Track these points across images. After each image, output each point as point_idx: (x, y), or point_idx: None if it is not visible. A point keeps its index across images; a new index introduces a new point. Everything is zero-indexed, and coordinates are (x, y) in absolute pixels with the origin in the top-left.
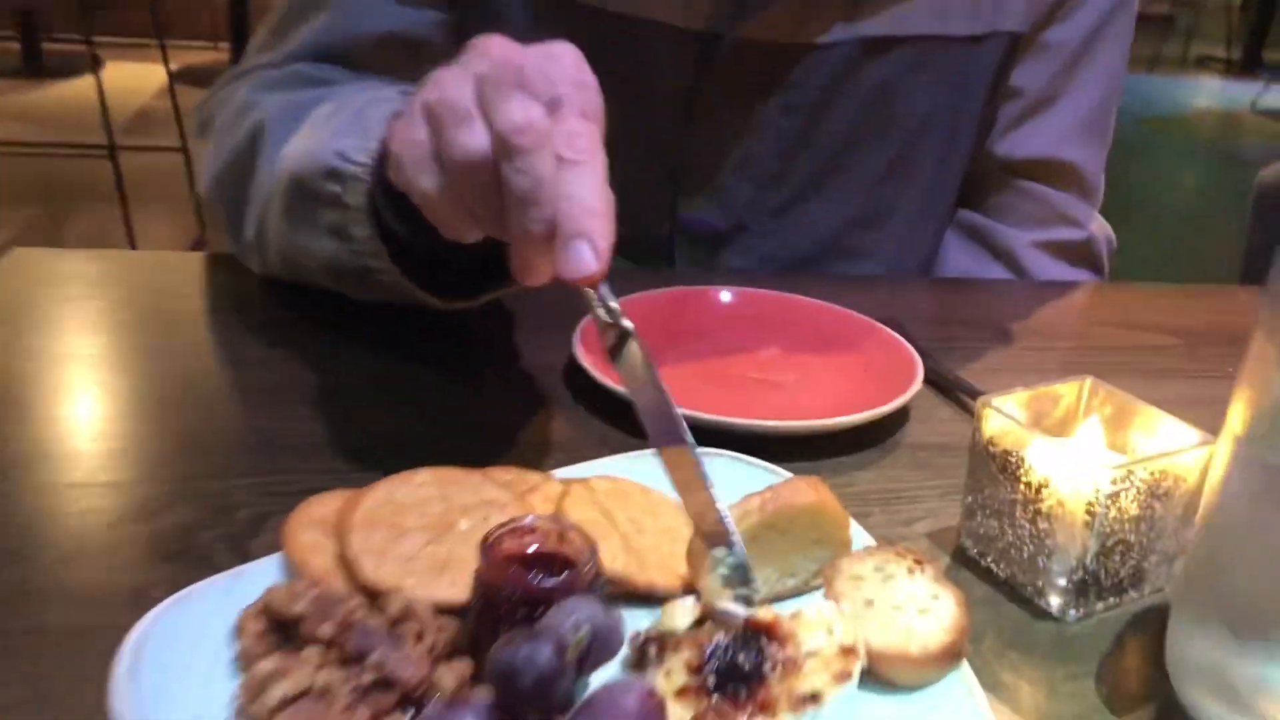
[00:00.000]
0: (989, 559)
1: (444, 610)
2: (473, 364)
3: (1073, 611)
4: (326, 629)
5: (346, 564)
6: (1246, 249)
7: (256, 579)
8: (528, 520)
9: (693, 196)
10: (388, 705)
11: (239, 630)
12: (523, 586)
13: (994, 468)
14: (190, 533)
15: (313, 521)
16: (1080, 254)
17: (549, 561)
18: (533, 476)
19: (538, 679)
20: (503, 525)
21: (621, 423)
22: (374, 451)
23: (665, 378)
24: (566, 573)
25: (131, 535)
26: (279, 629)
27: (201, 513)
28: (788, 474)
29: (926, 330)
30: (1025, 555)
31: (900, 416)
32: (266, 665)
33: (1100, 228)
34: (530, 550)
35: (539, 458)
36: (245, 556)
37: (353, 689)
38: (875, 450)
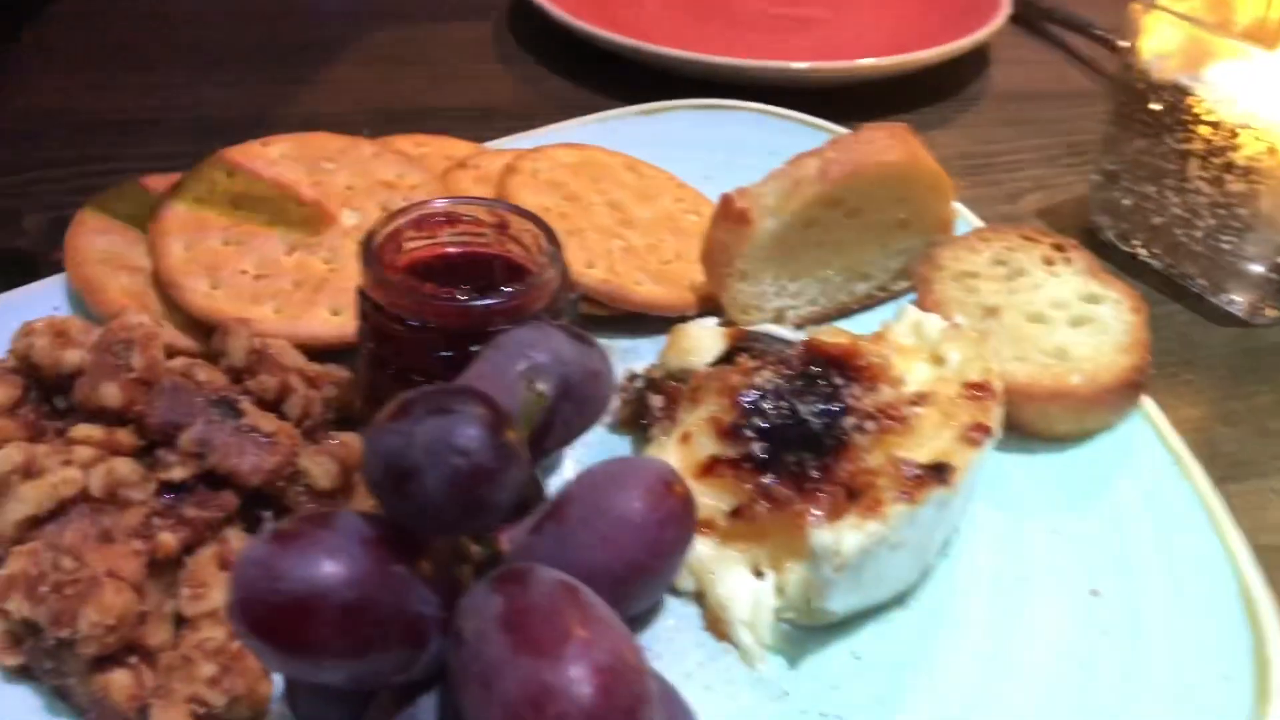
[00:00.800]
0: (1136, 242)
1: (317, 356)
2: None
3: (1270, 312)
4: (111, 392)
5: (160, 285)
6: None
7: (19, 312)
8: (438, 204)
9: None
10: (212, 520)
11: None
12: (437, 311)
13: (1154, 107)
14: None
15: (111, 223)
16: None
17: (481, 269)
18: (459, 147)
19: (453, 478)
20: (402, 212)
21: (591, 80)
22: (225, 123)
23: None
24: (512, 287)
25: None
26: (39, 395)
27: None
28: (842, 130)
29: None
30: (1199, 234)
31: (979, 58)
32: (1, 458)
33: None
34: (449, 251)
35: (469, 126)
36: (33, 277)
37: (160, 492)
38: (951, 103)
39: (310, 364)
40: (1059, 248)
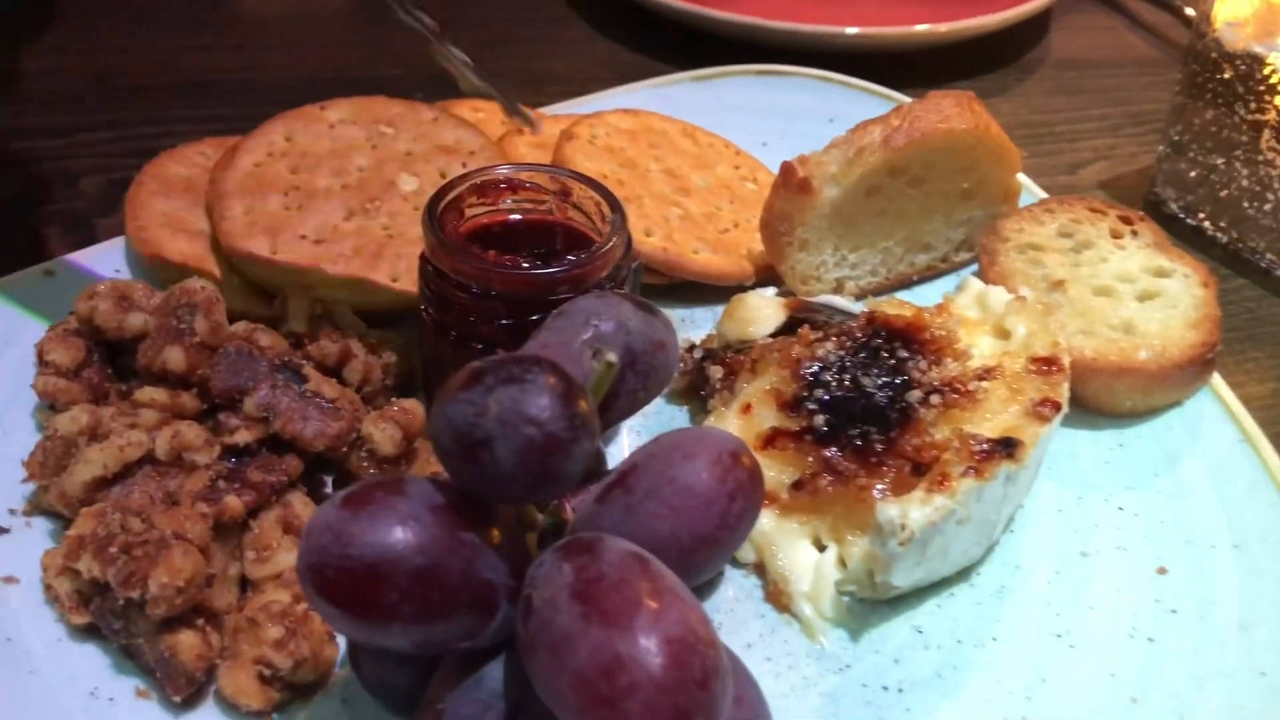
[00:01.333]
0: (1202, 215)
1: (376, 320)
2: None
3: None
4: (176, 356)
5: (221, 248)
6: None
7: (80, 276)
8: (501, 170)
9: None
10: (276, 484)
11: (38, 361)
12: (500, 279)
13: (1226, 76)
14: (15, 209)
15: (171, 185)
16: None
17: (543, 236)
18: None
19: (525, 449)
20: (464, 178)
21: (641, 44)
22: (277, 86)
23: None
24: (574, 254)
25: None
26: (102, 358)
27: (31, 182)
28: (907, 99)
29: None
30: (1268, 208)
31: (1038, 24)
32: (67, 420)
33: None
34: (511, 218)
35: (521, 92)
36: (89, 240)
37: (224, 456)
38: (1009, 71)
39: (371, 330)
40: (1126, 220)
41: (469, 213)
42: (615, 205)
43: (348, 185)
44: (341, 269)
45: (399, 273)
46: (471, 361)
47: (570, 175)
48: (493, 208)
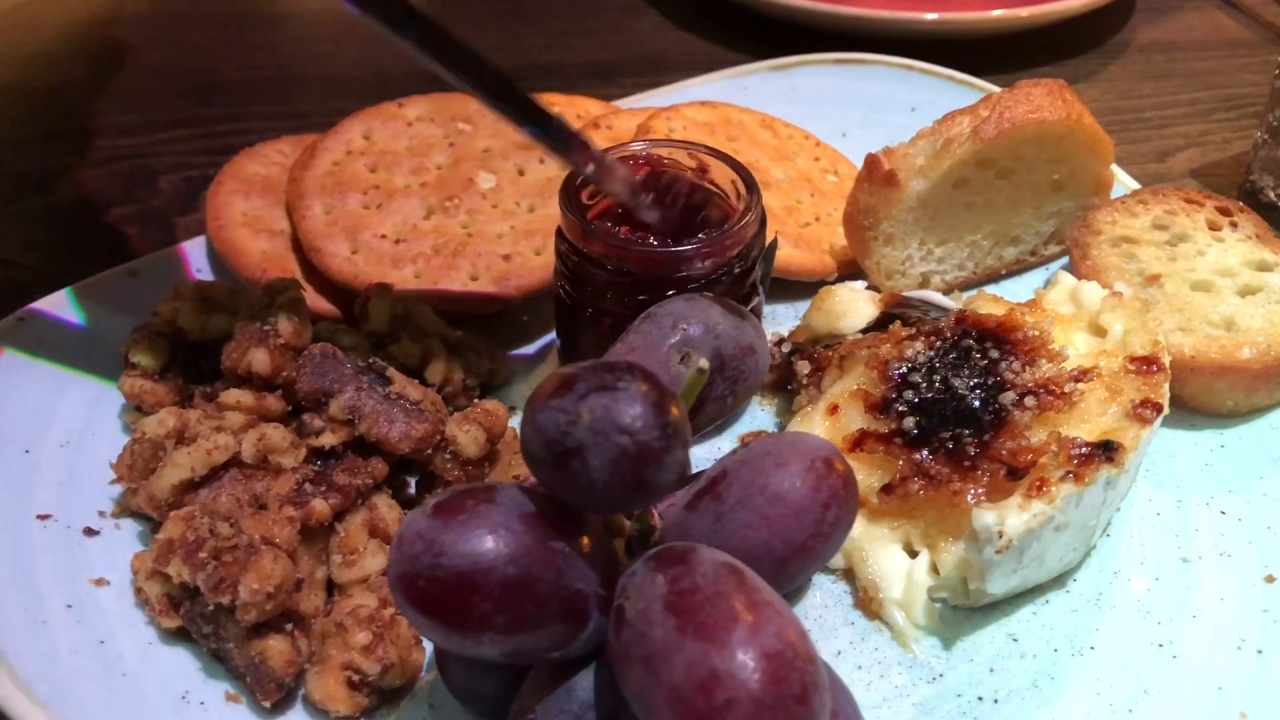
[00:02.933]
0: None
1: (456, 320)
2: None
3: None
4: (261, 358)
5: (301, 249)
6: None
7: (163, 276)
8: (636, 146)
9: None
10: (362, 487)
11: (123, 362)
12: (635, 257)
13: None
14: (96, 208)
15: (250, 184)
16: None
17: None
18: (591, 106)
19: (618, 458)
20: (623, 146)
21: (722, 33)
22: (351, 82)
23: None
24: (708, 231)
25: (19, 212)
26: (186, 359)
27: (112, 180)
28: (991, 86)
29: None
30: None
31: (1123, 6)
32: (154, 423)
33: None
34: (676, 194)
35: (593, 83)
36: (169, 240)
37: (309, 458)
38: (1093, 56)
39: (452, 330)
40: (1225, 211)
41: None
42: (751, 184)
43: (426, 183)
44: (412, 280)
45: (478, 271)
46: (606, 338)
47: (707, 151)
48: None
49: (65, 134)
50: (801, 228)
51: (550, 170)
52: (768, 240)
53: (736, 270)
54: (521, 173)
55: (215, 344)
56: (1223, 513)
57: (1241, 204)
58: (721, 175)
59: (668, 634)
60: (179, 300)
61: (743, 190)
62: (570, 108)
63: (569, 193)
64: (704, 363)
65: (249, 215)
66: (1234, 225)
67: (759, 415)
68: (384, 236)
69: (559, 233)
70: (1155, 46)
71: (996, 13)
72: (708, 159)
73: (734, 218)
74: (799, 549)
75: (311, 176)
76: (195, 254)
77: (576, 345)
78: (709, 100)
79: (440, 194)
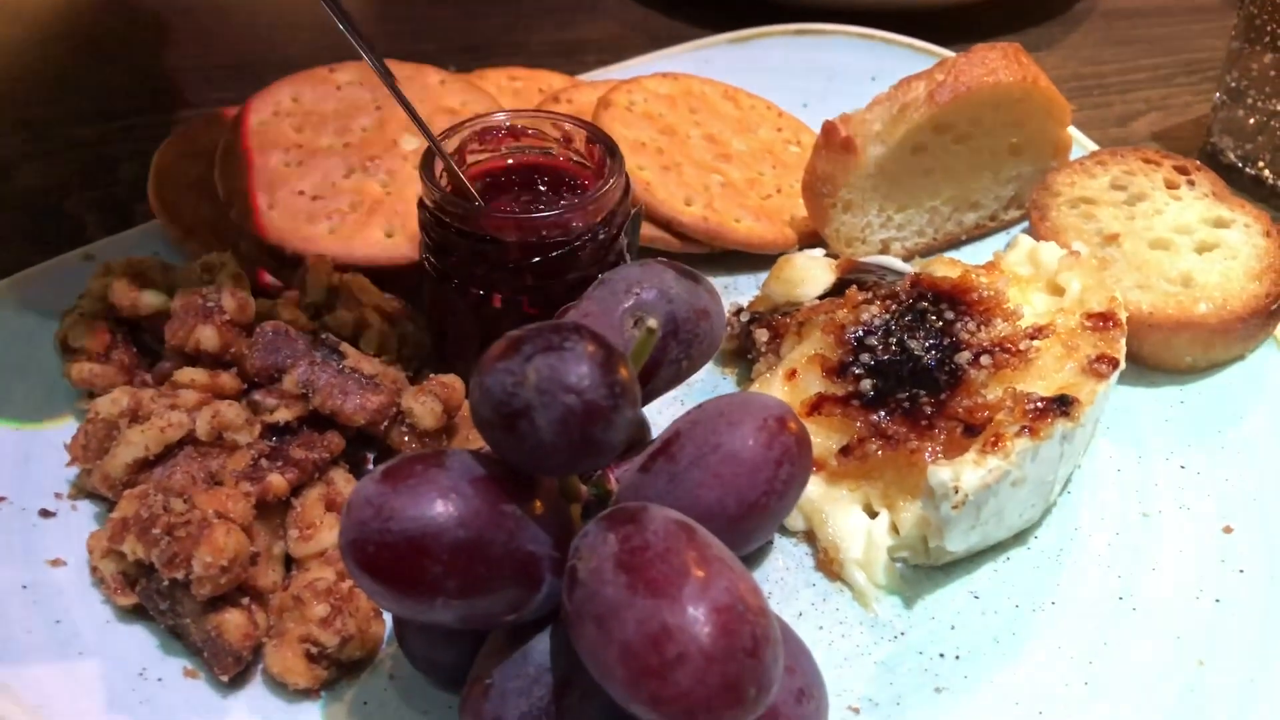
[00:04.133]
0: (1262, 163)
1: (372, 276)
2: None
3: None
4: (209, 335)
5: (225, 207)
6: None
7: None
8: (499, 118)
9: None
10: (320, 461)
11: (61, 348)
12: (492, 224)
13: None
14: (55, 195)
15: (192, 152)
16: None
17: (552, 180)
18: (554, 80)
19: (565, 418)
20: (465, 124)
21: (678, 10)
22: (309, 65)
23: None
24: (567, 198)
25: None
26: (126, 338)
27: (71, 168)
28: (948, 52)
29: None
30: None
31: None
32: (108, 403)
33: None
34: (512, 163)
35: (559, 61)
36: (128, 225)
37: (264, 434)
38: (1056, 23)
39: (388, 300)
40: (1182, 170)
41: (470, 159)
42: (613, 151)
43: (350, 144)
44: (326, 235)
45: (394, 228)
46: (474, 308)
47: (571, 121)
48: (494, 154)
49: (24, 122)
50: (763, 200)
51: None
52: (632, 209)
53: (601, 236)
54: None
55: (148, 321)
56: (1182, 467)
57: (1198, 163)
58: (585, 145)
59: (619, 591)
60: (110, 275)
61: (606, 158)
62: (532, 81)
63: (429, 161)
64: (653, 322)
65: (190, 178)
66: (1191, 184)
67: (720, 384)
68: (302, 193)
69: (420, 203)
70: (1117, 13)
71: None
72: (572, 129)
73: (595, 185)
74: (752, 506)
75: (240, 134)
76: (151, 238)
77: (445, 318)
78: (670, 72)
79: (362, 155)
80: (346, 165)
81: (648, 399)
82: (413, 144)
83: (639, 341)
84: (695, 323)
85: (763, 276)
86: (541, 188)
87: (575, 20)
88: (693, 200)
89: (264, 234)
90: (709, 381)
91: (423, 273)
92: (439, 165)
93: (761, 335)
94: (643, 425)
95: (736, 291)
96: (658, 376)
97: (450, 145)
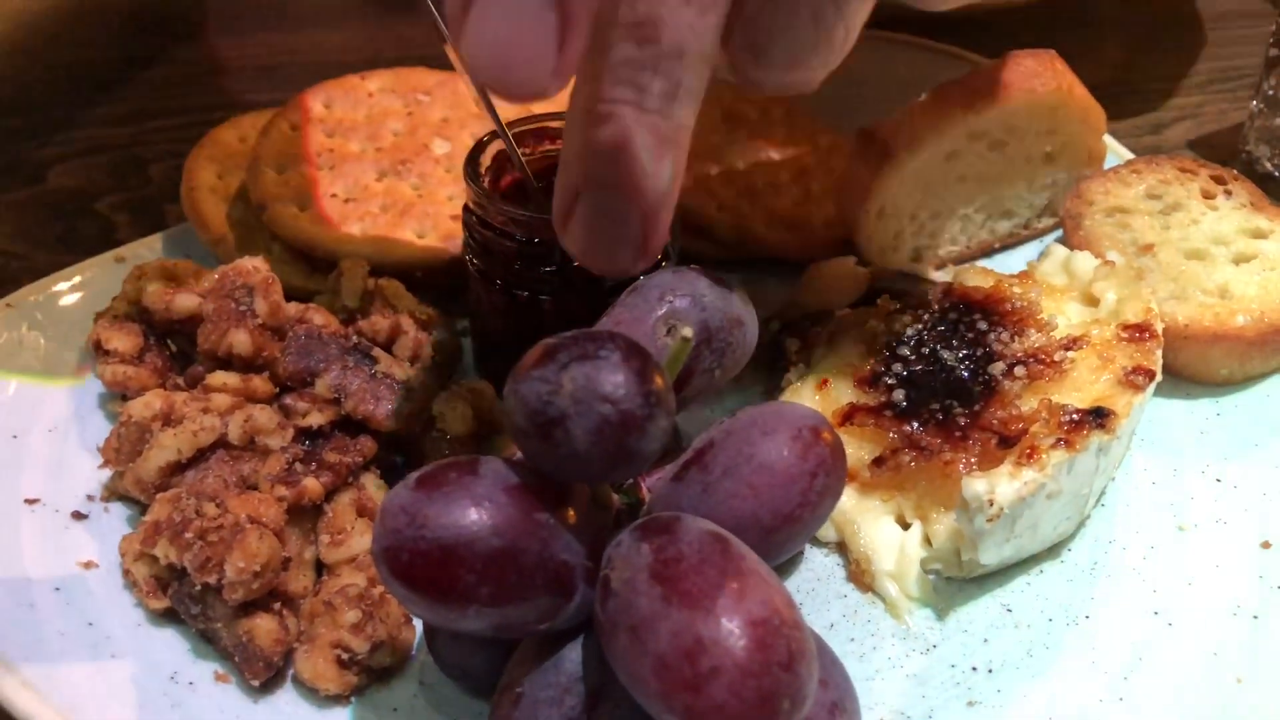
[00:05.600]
0: None
1: (404, 278)
2: None
3: None
4: (242, 339)
5: (258, 210)
6: None
7: (148, 257)
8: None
9: None
10: (352, 465)
11: (95, 350)
12: (521, 225)
13: None
14: (85, 197)
15: (227, 153)
16: None
17: None
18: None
19: (600, 427)
20: (509, 127)
21: None
22: (345, 70)
23: None
24: None
25: (10, 201)
26: (158, 341)
27: (103, 169)
28: (980, 59)
29: None
30: None
31: None
32: (141, 405)
33: None
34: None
35: None
36: (160, 228)
37: (296, 439)
38: (1088, 29)
39: (421, 307)
40: (1218, 179)
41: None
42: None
43: (381, 149)
44: (358, 236)
45: (425, 229)
46: (519, 309)
47: None
48: (537, 154)
49: (56, 123)
50: (792, 205)
51: None
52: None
53: None
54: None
55: (181, 324)
56: (1218, 480)
57: (1236, 172)
58: None
59: (653, 603)
60: (143, 279)
61: None
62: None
63: (473, 164)
64: (688, 331)
65: (222, 182)
66: (1228, 193)
67: (750, 393)
68: (334, 196)
69: (465, 207)
70: (1149, 19)
71: None
72: None
73: None
74: (787, 518)
75: (269, 141)
76: (184, 239)
77: (487, 318)
78: None
79: (394, 158)
80: (378, 169)
81: (680, 408)
82: (444, 148)
83: (673, 350)
84: (729, 331)
85: (793, 283)
86: None
87: None
88: (723, 205)
89: (296, 237)
90: (739, 392)
91: (465, 273)
92: (485, 163)
93: (792, 345)
94: (676, 433)
95: (766, 298)
96: (690, 385)
97: (490, 146)
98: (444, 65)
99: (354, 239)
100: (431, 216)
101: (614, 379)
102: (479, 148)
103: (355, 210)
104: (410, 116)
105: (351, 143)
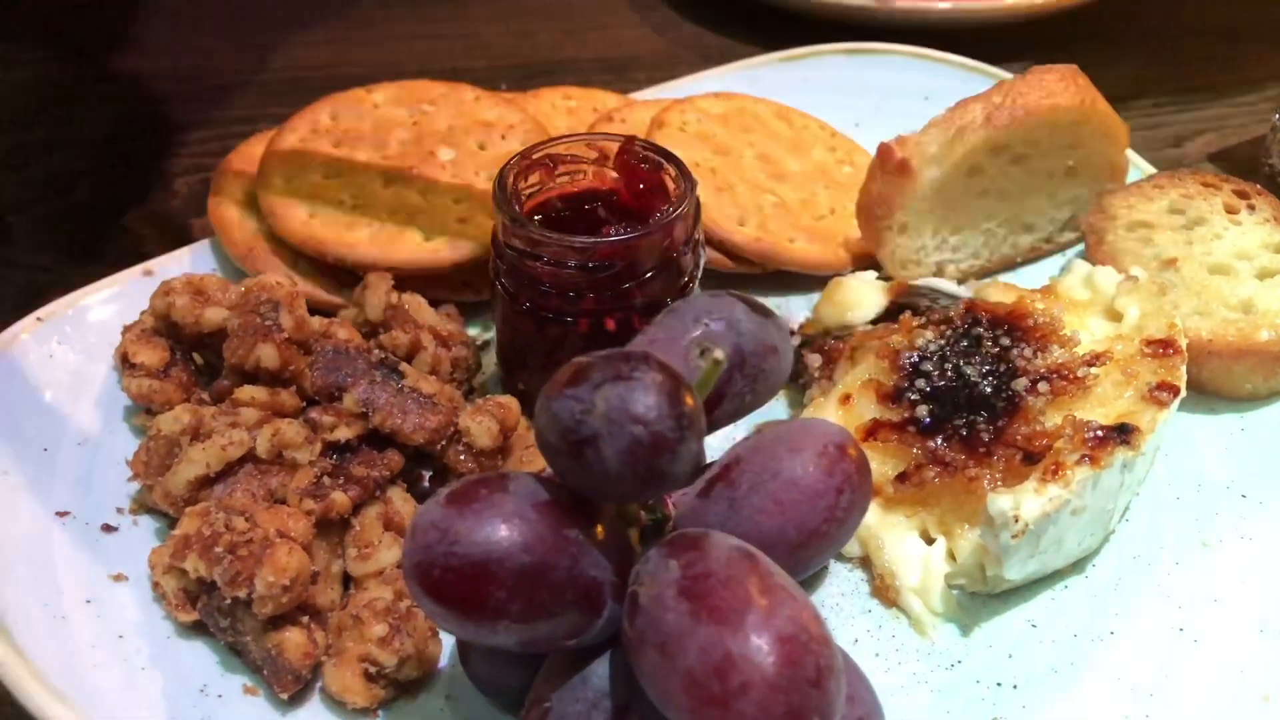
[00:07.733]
0: None
1: (411, 280)
2: None
3: None
4: (269, 353)
5: (265, 219)
6: None
7: (175, 271)
8: (578, 139)
9: None
10: (380, 479)
11: (122, 363)
12: (551, 250)
13: None
14: (110, 214)
15: (250, 168)
16: None
17: (608, 205)
18: (607, 99)
19: (632, 448)
20: (536, 147)
21: (727, 27)
22: (366, 80)
23: None
24: (625, 229)
25: (40, 215)
26: (184, 355)
27: (130, 183)
28: (1005, 74)
29: None
30: None
31: None
32: (170, 420)
33: None
34: (579, 189)
35: (608, 79)
36: (186, 241)
37: (324, 453)
38: (1107, 42)
39: (443, 322)
40: (1242, 194)
41: (554, 182)
42: (685, 175)
43: (388, 157)
44: (366, 241)
45: (432, 232)
46: (547, 331)
47: (644, 145)
48: (559, 173)
49: (84, 138)
50: (816, 220)
51: (512, 146)
52: (699, 238)
53: (675, 258)
54: (482, 147)
55: (209, 338)
56: (1243, 496)
57: (1259, 187)
58: (648, 169)
59: (682, 619)
60: (172, 294)
61: (680, 182)
62: (587, 100)
63: (503, 183)
64: (719, 353)
65: (247, 195)
66: (1251, 208)
67: (772, 408)
68: (342, 201)
69: (494, 231)
70: (1169, 32)
71: (1007, 0)
72: (640, 149)
73: (669, 207)
74: (813, 534)
75: (275, 153)
76: (210, 253)
77: (514, 338)
78: (723, 92)
79: (400, 166)
80: (385, 176)
81: (710, 430)
82: (449, 155)
83: (704, 372)
84: (762, 358)
85: (815, 298)
86: (601, 212)
87: (625, 38)
88: (746, 220)
89: (304, 243)
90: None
91: (494, 295)
92: (509, 187)
93: (814, 360)
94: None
95: (788, 312)
96: (720, 409)
97: (520, 169)
98: (448, 77)
99: (362, 242)
100: (438, 220)
101: (647, 400)
102: (509, 167)
103: (362, 216)
104: (415, 126)
105: (359, 151)
